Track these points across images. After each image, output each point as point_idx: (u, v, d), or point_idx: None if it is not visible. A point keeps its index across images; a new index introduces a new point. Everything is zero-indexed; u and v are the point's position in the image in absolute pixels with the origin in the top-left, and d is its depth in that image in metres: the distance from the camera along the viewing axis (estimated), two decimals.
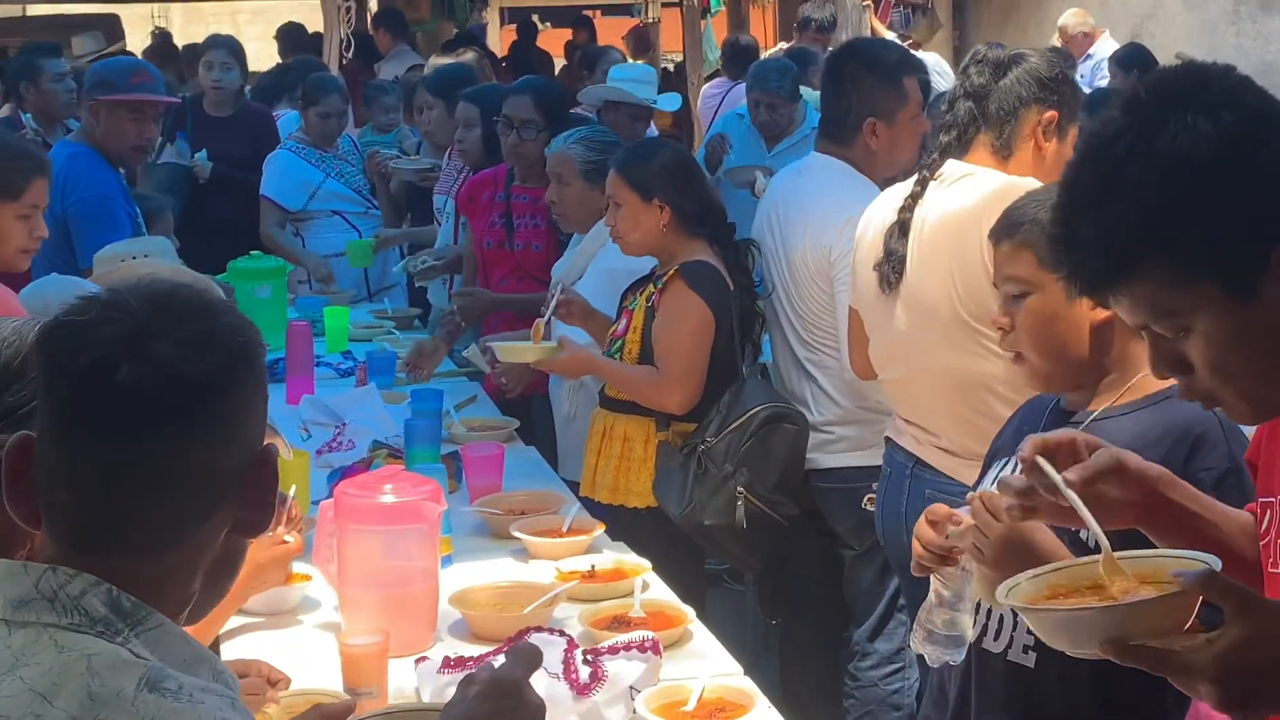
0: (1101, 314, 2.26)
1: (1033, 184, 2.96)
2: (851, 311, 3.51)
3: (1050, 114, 3.19)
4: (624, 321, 3.93)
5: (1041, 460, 1.71)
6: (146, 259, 3.82)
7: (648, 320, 3.84)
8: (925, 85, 3.93)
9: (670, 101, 6.81)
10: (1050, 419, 2.34)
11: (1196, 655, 1.42)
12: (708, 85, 9.60)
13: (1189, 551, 1.59)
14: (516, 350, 4.00)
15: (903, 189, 3.33)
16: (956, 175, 3.19)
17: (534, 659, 1.64)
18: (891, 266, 3.24)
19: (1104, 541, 1.62)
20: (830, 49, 7.61)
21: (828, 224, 3.79)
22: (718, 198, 4.12)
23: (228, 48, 6.87)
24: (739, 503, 3.66)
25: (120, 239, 4.33)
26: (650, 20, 16.98)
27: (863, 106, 3.79)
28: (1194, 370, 1.52)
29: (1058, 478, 1.68)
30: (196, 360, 1.34)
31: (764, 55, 8.75)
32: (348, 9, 8.82)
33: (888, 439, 3.41)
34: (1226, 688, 1.41)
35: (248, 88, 7.56)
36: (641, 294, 3.91)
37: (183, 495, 1.36)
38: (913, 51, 9.34)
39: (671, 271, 3.83)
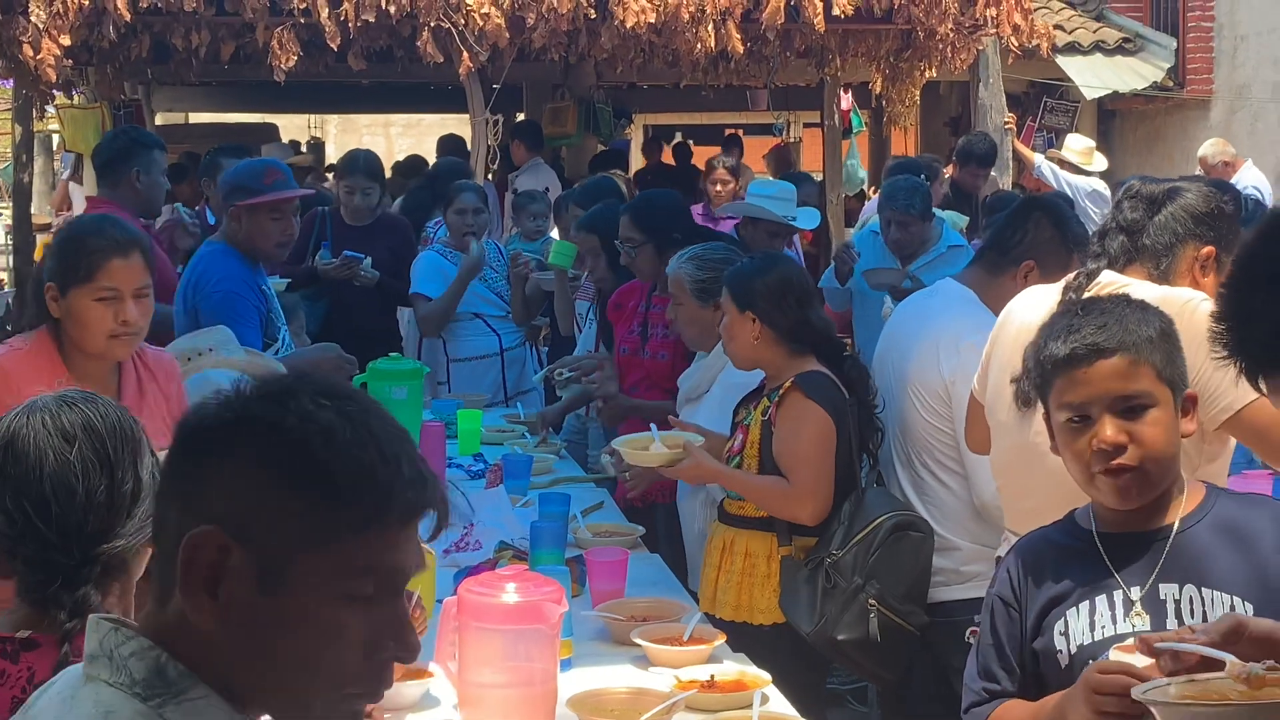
0: (1191, 427, 2.31)
1: (1198, 297, 2.92)
2: (972, 397, 3.47)
3: (1208, 250, 3.12)
4: (740, 437, 3.93)
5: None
6: (211, 352, 3.93)
7: (765, 434, 3.83)
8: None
9: (809, 219, 6.84)
10: (1118, 540, 2.30)
11: None
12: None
13: None
14: (641, 454, 4.02)
15: (1047, 292, 3.25)
16: (1116, 287, 3.05)
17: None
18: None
19: (1232, 659, 1.59)
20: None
21: (948, 348, 3.78)
22: (824, 320, 4.09)
23: (365, 172, 6.99)
24: (871, 615, 3.61)
25: (248, 332, 4.46)
26: (792, 140, 17.18)
27: (1032, 250, 3.82)
28: None
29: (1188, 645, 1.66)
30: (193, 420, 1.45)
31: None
32: (495, 122, 9.08)
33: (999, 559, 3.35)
34: None
35: (395, 200, 7.80)
36: (756, 408, 3.91)
37: (161, 549, 1.45)
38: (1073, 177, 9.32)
39: (788, 383, 3.83)
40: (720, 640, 3.32)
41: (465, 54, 7.96)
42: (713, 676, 3.12)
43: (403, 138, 20.08)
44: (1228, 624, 1.71)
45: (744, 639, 3.54)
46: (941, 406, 3.88)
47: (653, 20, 7.81)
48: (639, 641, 3.28)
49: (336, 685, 1.41)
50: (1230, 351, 1.53)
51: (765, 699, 3.02)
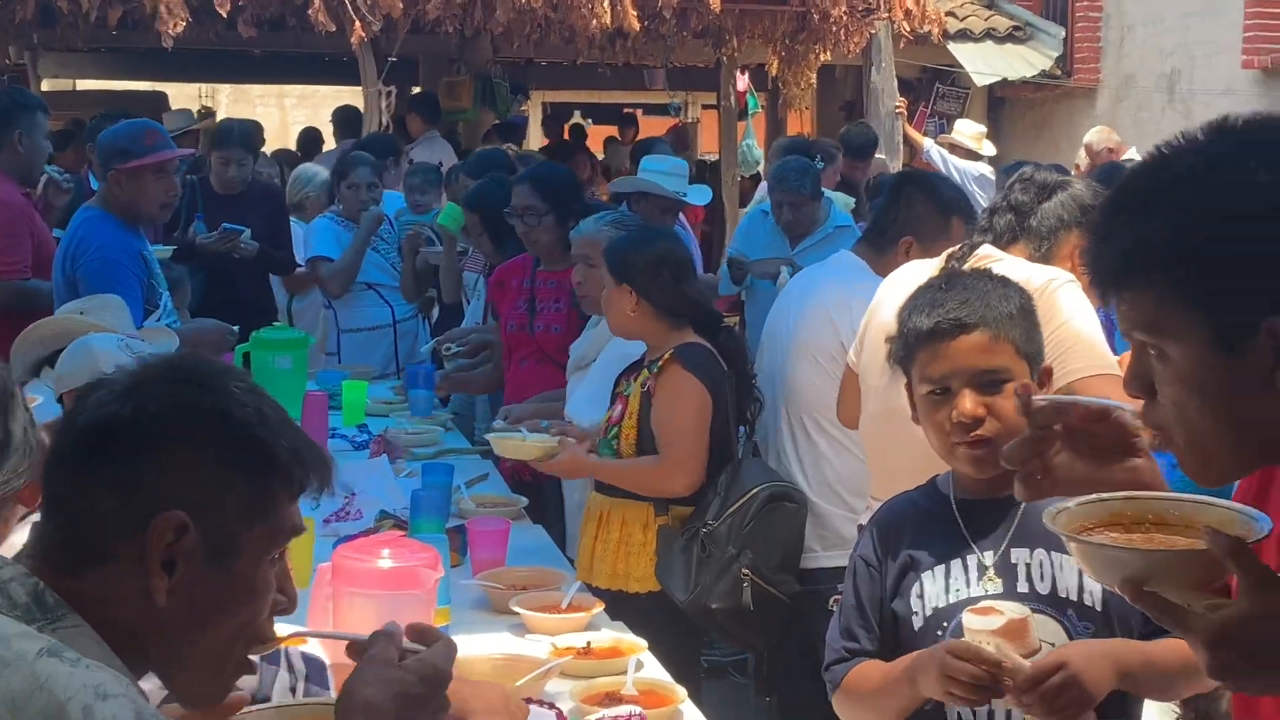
0: None
1: (1061, 278, 3.00)
2: (847, 368, 3.53)
3: None
4: (619, 407, 3.95)
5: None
6: (82, 316, 3.91)
7: (644, 405, 3.85)
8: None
9: (700, 195, 6.88)
10: (975, 506, 2.38)
11: (1200, 617, 1.42)
12: None
13: (1248, 510, 1.56)
14: (514, 447, 4.03)
15: (927, 266, 3.34)
16: (990, 260, 3.18)
17: (454, 651, 1.79)
18: None
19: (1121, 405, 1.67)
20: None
21: (840, 308, 3.86)
22: (701, 293, 4.11)
23: (240, 143, 6.91)
24: (745, 584, 3.66)
25: (128, 300, 4.41)
26: (690, 120, 17.22)
27: (906, 225, 3.91)
28: (1156, 398, 1.53)
29: None
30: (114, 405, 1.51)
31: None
32: (389, 94, 9.02)
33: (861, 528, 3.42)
34: (1218, 657, 1.41)
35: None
36: (636, 379, 3.93)
37: (83, 526, 1.50)
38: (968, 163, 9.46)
39: (667, 355, 3.85)
40: (598, 608, 3.35)
41: (358, 23, 7.90)
42: (589, 643, 3.15)
43: (297, 109, 19.83)
44: (1101, 403, 1.78)
45: (622, 607, 3.58)
46: (834, 367, 3.93)
47: None
48: (517, 610, 3.30)
49: (253, 642, 1.57)
50: (1087, 268, 1.59)
51: (640, 665, 3.06)
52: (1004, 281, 2.46)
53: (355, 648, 1.78)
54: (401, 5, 7.93)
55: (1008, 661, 2.08)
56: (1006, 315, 2.36)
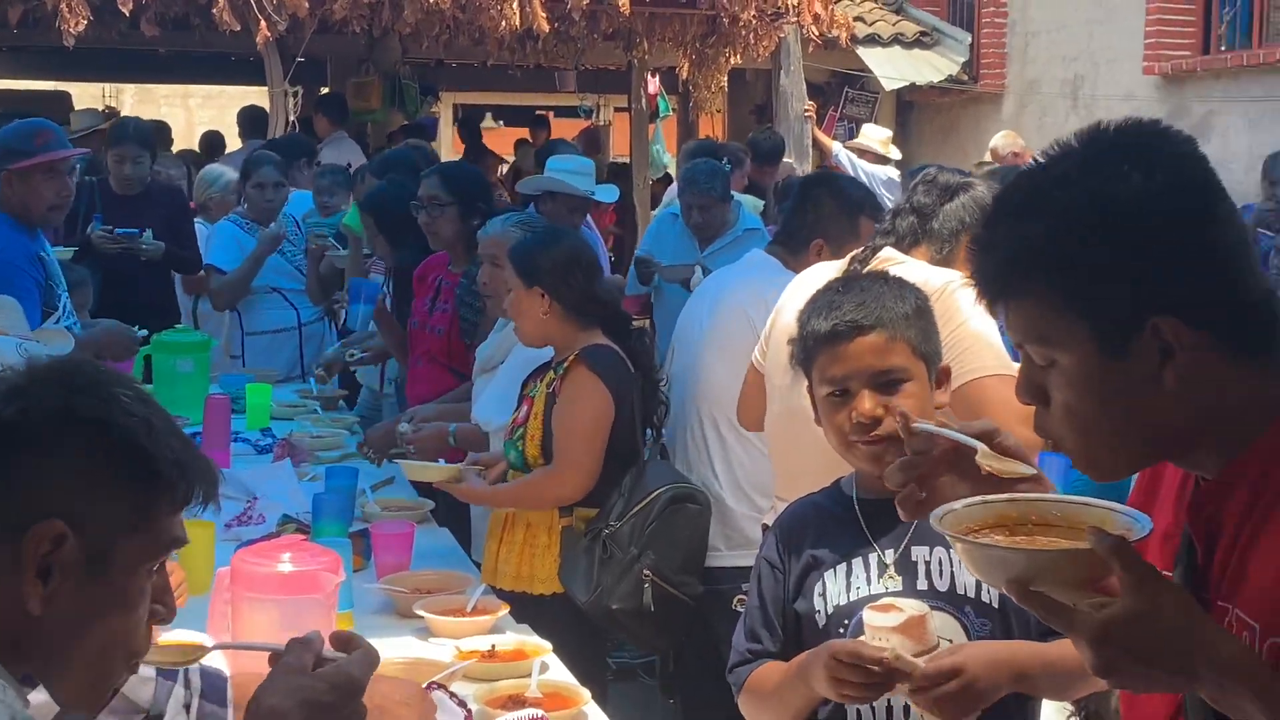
0: (944, 398, 2.45)
1: (957, 280, 3.03)
2: (751, 368, 3.55)
3: None
4: (525, 408, 3.92)
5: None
6: None
7: (548, 406, 3.83)
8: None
9: (608, 193, 6.89)
10: (876, 505, 2.40)
11: (1084, 616, 1.43)
12: None
13: (1129, 511, 1.58)
14: (420, 470, 4.03)
15: (830, 268, 3.36)
16: (891, 263, 3.21)
17: (375, 660, 1.78)
18: None
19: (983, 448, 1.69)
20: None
21: (755, 304, 3.88)
22: (611, 293, 4.14)
23: (136, 140, 6.79)
24: (646, 585, 3.66)
25: (24, 301, 4.32)
26: (602, 123, 17.24)
27: (816, 228, 3.93)
28: (1049, 405, 1.54)
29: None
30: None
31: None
32: (295, 94, 8.93)
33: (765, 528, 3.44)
34: (1102, 655, 1.42)
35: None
36: (542, 380, 3.91)
37: None
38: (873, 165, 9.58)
39: (573, 357, 3.83)
40: (503, 611, 3.33)
41: (263, 23, 7.81)
42: (493, 646, 3.13)
43: (203, 109, 19.55)
44: (982, 426, 1.78)
45: (527, 610, 3.57)
46: (739, 364, 3.92)
47: None
48: (421, 613, 3.28)
49: (130, 653, 1.56)
50: (974, 280, 1.60)
51: (545, 667, 3.05)
52: (900, 282, 2.48)
53: (275, 658, 1.75)
54: (308, 5, 7.85)
55: (890, 656, 2.10)
56: (902, 316, 2.38)
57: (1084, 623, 1.43)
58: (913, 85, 12.74)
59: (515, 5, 8.03)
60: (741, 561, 3.78)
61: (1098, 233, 1.47)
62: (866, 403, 2.33)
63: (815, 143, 10.56)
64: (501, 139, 16.20)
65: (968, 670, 2.10)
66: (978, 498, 1.68)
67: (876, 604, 2.22)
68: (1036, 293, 1.51)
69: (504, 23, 8.14)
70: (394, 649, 3.11)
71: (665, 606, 3.69)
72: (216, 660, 2.56)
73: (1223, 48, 10.82)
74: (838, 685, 2.13)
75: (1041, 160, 1.55)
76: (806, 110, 10.24)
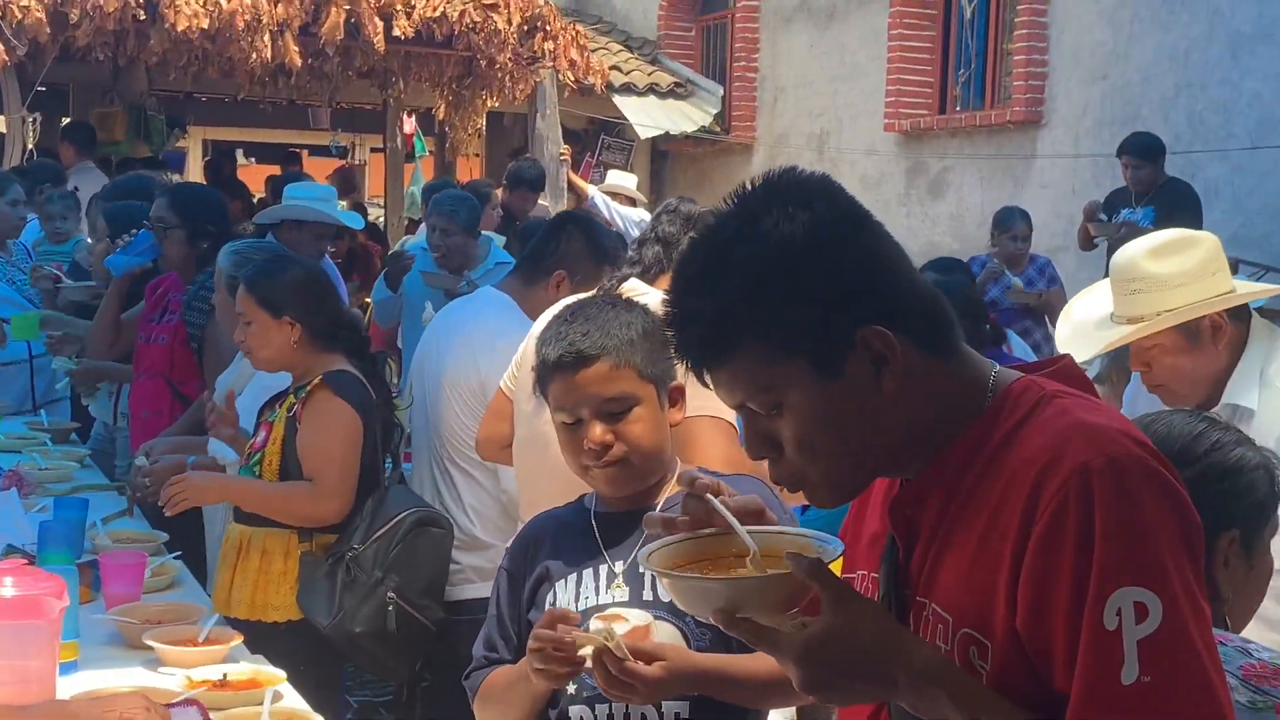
0: (678, 416, 2.51)
1: None
2: (500, 393, 3.57)
3: None
4: (263, 434, 3.85)
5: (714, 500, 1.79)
6: None
7: (289, 431, 3.77)
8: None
9: (353, 220, 6.84)
10: (611, 518, 2.47)
11: (788, 637, 1.51)
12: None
13: (820, 535, 1.67)
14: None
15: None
16: (635, 294, 3.24)
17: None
18: None
19: (739, 528, 1.72)
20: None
21: (484, 347, 3.89)
22: (350, 313, 4.13)
23: None
24: (390, 609, 3.64)
25: None
26: (357, 162, 17.09)
27: (563, 260, 3.96)
28: (783, 451, 1.60)
29: (716, 503, 1.77)
30: None
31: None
32: (35, 121, 8.63)
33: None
34: (806, 672, 1.50)
35: None
36: (281, 405, 3.85)
37: None
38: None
39: (315, 381, 3.78)
40: (237, 641, 3.27)
41: (1, 47, 7.54)
42: (225, 675, 3.07)
43: None
44: (756, 505, 1.84)
45: (262, 639, 3.50)
46: (477, 404, 3.97)
47: (206, 26, 7.65)
48: (151, 643, 3.19)
49: None
50: (679, 357, 1.63)
51: (279, 696, 3.00)
52: (628, 306, 2.53)
53: None
54: (50, 30, 7.62)
55: (595, 641, 2.15)
56: (627, 342, 2.42)
57: (788, 643, 1.51)
58: (667, 134, 13.03)
59: (266, 38, 7.95)
60: (473, 594, 3.82)
61: (787, 272, 1.54)
62: (596, 430, 2.38)
63: (571, 185, 10.70)
64: (253, 176, 15.91)
65: (667, 671, 2.17)
66: (683, 534, 1.74)
67: (603, 614, 2.27)
68: (745, 347, 1.56)
69: (255, 55, 8.05)
70: (122, 680, 3.03)
71: (407, 630, 3.68)
72: None
73: (958, 108, 11.37)
74: (533, 659, 2.19)
75: (707, 227, 1.61)
76: (562, 154, 10.37)
